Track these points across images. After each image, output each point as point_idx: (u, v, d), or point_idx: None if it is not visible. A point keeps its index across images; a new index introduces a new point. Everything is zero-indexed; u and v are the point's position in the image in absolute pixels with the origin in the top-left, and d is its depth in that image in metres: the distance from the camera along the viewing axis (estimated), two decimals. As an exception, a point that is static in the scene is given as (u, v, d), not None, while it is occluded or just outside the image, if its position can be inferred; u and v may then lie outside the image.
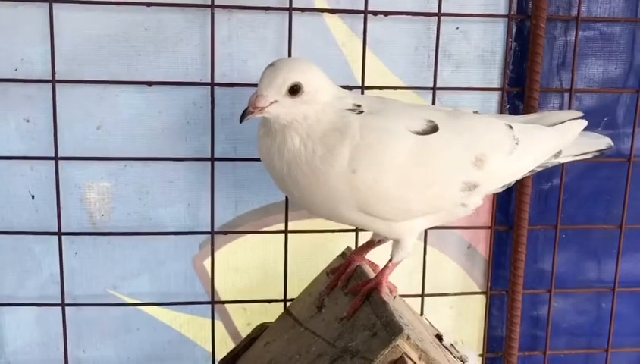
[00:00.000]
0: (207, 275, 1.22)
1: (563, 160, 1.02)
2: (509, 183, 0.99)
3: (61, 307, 1.17)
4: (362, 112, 0.90)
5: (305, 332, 1.04)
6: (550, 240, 1.27)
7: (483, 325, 1.31)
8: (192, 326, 1.24)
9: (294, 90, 0.86)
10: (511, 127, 0.95)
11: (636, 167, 1.25)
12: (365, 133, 0.88)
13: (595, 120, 1.23)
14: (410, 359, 0.86)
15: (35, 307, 1.17)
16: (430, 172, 0.90)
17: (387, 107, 0.93)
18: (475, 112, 1.02)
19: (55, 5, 1.07)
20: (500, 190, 0.99)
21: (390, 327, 0.87)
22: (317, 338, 0.99)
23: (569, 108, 1.21)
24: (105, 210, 1.17)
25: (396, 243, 0.98)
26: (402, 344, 0.85)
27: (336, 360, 0.90)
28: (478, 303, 1.31)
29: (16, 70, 1.09)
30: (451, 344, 1.07)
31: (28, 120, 1.11)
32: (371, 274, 1.03)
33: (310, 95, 0.87)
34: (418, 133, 0.89)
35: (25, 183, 1.13)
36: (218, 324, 1.24)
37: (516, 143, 0.94)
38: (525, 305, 1.27)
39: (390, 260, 0.98)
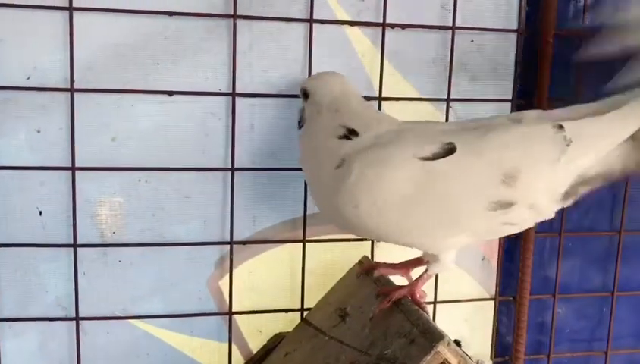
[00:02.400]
0: (222, 296, 1.17)
1: None
2: (572, 192, 0.91)
3: (75, 321, 1.10)
4: (355, 139, 0.94)
5: (330, 341, 1.03)
6: (554, 247, 1.29)
7: (491, 331, 1.32)
8: (206, 350, 1.18)
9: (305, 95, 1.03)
10: (561, 126, 0.88)
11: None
12: (362, 169, 0.88)
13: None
14: None
15: (39, 330, 1.10)
16: (442, 197, 0.88)
17: (400, 133, 0.93)
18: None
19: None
20: (566, 203, 0.92)
21: (429, 334, 0.88)
22: (345, 347, 0.99)
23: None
24: (116, 227, 1.11)
25: (433, 257, 0.97)
26: (442, 350, 0.86)
27: (372, 369, 0.90)
28: (490, 312, 1.32)
29: (28, 78, 1.03)
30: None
31: (39, 131, 1.05)
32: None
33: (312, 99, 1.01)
34: (427, 159, 0.87)
35: (33, 197, 1.07)
36: (233, 348, 1.19)
37: (567, 145, 0.87)
38: (530, 311, 1.29)
39: (426, 271, 0.98)
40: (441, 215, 0.89)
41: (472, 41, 1.20)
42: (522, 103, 1.23)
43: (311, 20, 1.11)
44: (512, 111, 1.23)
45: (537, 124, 0.91)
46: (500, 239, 1.27)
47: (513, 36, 1.21)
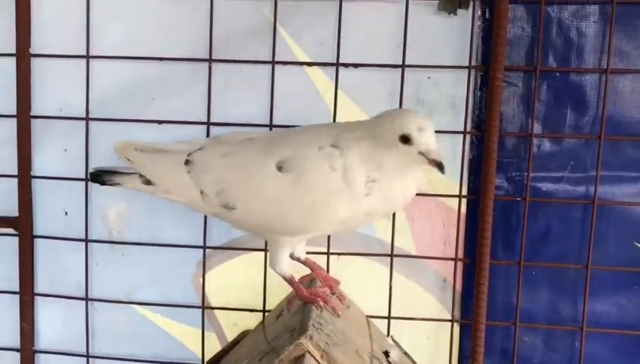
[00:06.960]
0: (202, 291, 1.40)
1: None
2: None
3: (84, 301, 1.41)
4: None
5: (261, 335, 1.20)
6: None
7: (449, 353, 1.37)
8: (191, 336, 1.42)
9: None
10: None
11: (600, 211, 1.29)
12: None
13: (562, 164, 1.30)
14: (313, 356, 1.00)
15: (63, 304, 1.42)
16: None
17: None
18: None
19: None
20: None
21: (302, 329, 1.02)
22: (265, 340, 1.15)
23: (529, 153, 1.29)
24: (121, 228, 1.40)
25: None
26: (305, 343, 1.00)
27: (264, 357, 1.05)
28: (455, 335, 1.38)
29: (61, 110, 1.37)
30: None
31: (66, 150, 1.38)
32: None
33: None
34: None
35: (60, 201, 1.40)
36: (212, 336, 1.41)
37: None
38: (495, 339, 1.33)
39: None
40: None
41: (429, 78, 1.31)
42: (479, 135, 1.30)
43: (273, 62, 1.31)
44: (463, 144, 1.30)
45: None
46: (459, 262, 1.34)
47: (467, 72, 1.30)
